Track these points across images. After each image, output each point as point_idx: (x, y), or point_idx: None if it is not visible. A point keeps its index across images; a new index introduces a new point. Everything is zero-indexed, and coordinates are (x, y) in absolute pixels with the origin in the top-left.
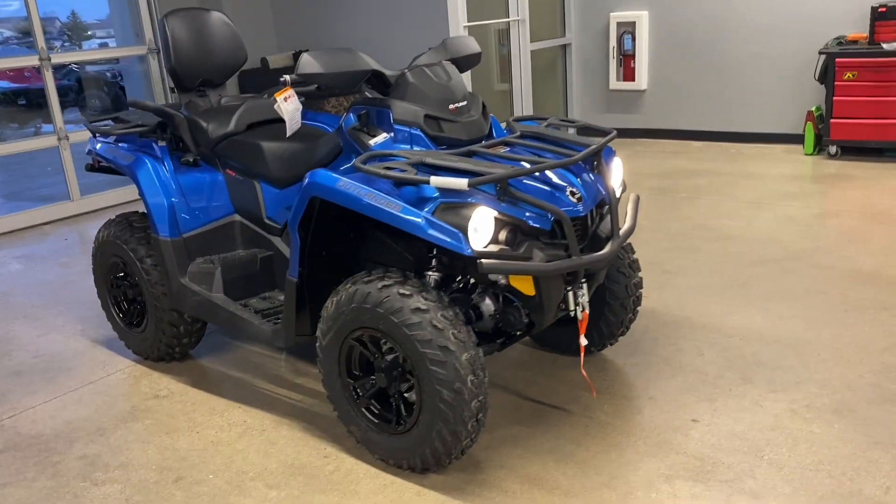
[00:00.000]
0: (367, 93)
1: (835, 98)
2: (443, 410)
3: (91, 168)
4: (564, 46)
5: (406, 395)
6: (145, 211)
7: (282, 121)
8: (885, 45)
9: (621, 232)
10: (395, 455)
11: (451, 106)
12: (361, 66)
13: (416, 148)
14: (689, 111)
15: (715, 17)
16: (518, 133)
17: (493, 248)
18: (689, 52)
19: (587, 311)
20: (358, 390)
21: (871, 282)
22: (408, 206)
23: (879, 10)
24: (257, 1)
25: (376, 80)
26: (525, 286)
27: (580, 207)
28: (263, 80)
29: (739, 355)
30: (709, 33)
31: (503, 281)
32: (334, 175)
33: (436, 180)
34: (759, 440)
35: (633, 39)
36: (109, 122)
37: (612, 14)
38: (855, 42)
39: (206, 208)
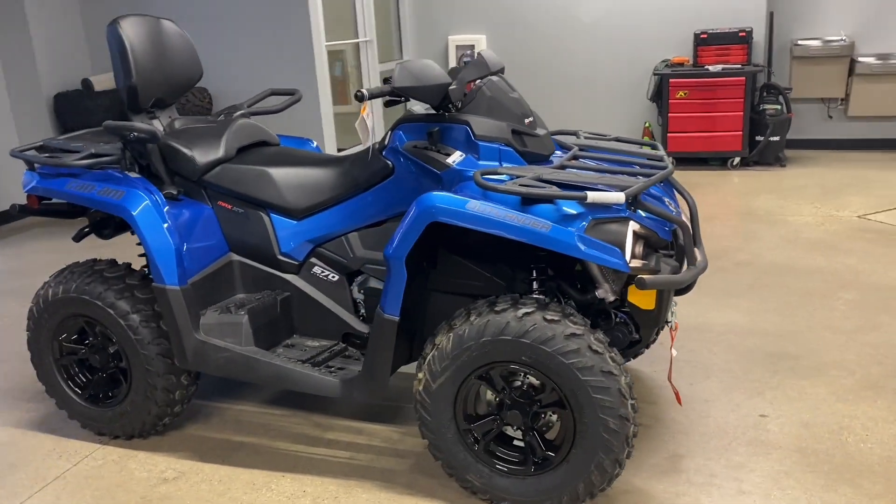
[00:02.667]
0: (412, 109)
1: (669, 115)
2: (606, 440)
3: (24, 210)
4: None
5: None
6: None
7: (265, 143)
8: (710, 68)
9: None
10: (534, 497)
11: (527, 120)
12: (444, 78)
13: (504, 165)
14: None
15: (551, 40)
16: (575, 147)
17: (637, 263)
18: (527, 73)
19: (678, 322)
20: (475, 434)
21: (795, 272)
22: (557, 225)
23: (701, 36)
24: (66, 17)
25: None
26: (646, 301)
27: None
28: (87, 104)
29: (747, 350)
30: (545, 55)
31: (613, 298)
32: (457, 196)
33: (594, 196)
34: (831, 425)
35: None
36: (33, 151)
37: (450, 37)
38: (681, 64)
39: (202, 249)
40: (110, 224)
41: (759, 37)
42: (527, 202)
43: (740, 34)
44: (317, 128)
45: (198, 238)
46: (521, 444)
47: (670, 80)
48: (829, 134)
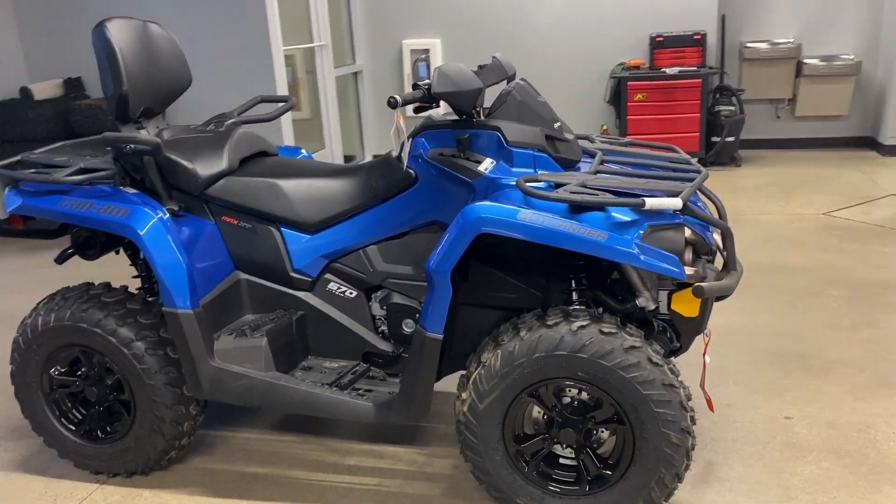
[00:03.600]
0: (432, 115)
1: (628, 117)
2: (667, 454)
3: (3, 231)
4: (356, 74)
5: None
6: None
7: (265, 154)
8: (667, 70)
9: None
10: None
11: (556, 124)
12: (478, 83)
13: (539, 171)
14: None
15: (506, 44)
16: (599, 152)
17: (690, 270)
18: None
19: (710, 329)
20: (524, 455)
21: (779, 271)
22: (614, 234)
23: (657, 39)
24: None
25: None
26: (690, 308)
27: None
28: (28, 113)
29: (755, 351)
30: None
31: (654, 307)
32: (507, 206)
33: (652, 202)
34: (856, 424)
35: (428, 67)
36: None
37: (404, 41)
38: (637, 67)
39: (209, 268)
40: (95, 243)
41: (712, 39)
42: (575, 210)
43: (695, 37)
44: (276, 135)
45: (204, 257)
46: (571, 462)
47: (628, 82)
48: (777, 134)
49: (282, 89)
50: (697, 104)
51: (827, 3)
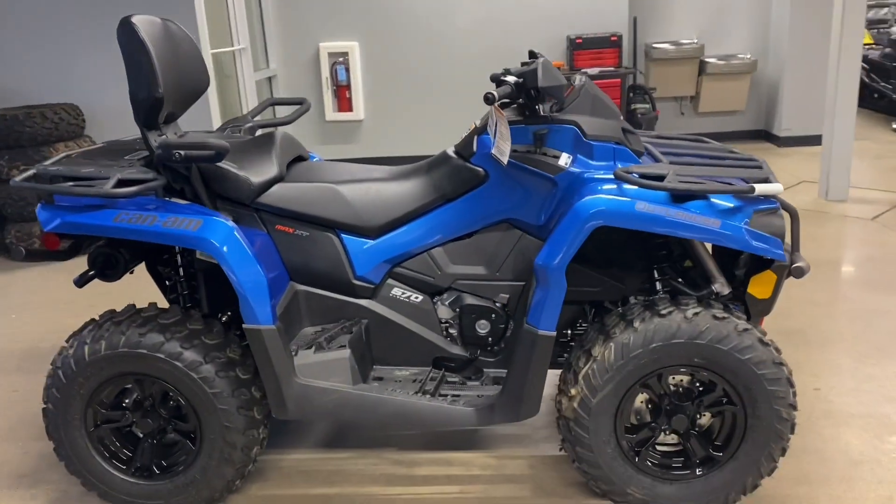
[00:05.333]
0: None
1: None
2: (777, 430)
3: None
4: (270, 78)
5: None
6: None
7: (300, 158)
8: (588, 71)
9: None
10: (700, 499)
11: (621, 117)
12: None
13: (619, 164)
14: (407, 138)
15: (426, 47)
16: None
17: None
18: (403, 80)
19: None
20: (634, 445)
21: None
22: (726, 221)
23: (576, 41)
24: None
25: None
26: (764, 290)
27: None
28: None
29: None
30: (421, 62)
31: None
32: (622, 199)
33: (761, 188)
34: (880, 389)
35: (347, 70)
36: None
37: (321, 44)
38: (558, 69)
39: (273, 281)
40: (116, 263)
41: (625, 41)
42: (678, 199)
43: (612, 38)
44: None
45: (266, 269)
46: (671, 449)
47: None
48: (682, 129)
49: (213, 93)
50: (618, 103)
51: (725, 6)
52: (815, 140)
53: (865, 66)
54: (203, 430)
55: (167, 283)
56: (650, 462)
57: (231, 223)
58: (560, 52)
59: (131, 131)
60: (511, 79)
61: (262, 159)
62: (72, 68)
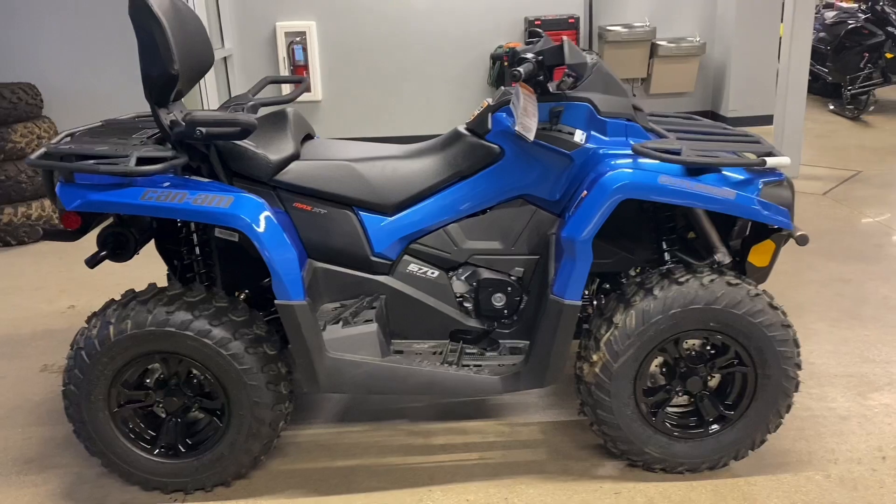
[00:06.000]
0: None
1: None
2: (785, 388)
3: (54, 233)
4: (225, 59)
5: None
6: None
7: (308, 136)
8: None
9: None
10: (712, 455)
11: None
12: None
13: (631, 140)
14: (366, 119)
15: (385, 27)
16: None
17: None
18: (361, 61)
19: None
20: (652, 406)
21: None
22: (740, 193)
23: (535, 22)
24: None
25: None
26: (763, 259)
27: None
28: None
29: None
30: (380, 43)
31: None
32: (646, 172)
33: (772, 160)
34: (855, 351)
35: (305, 50)
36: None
37: (277, 24)
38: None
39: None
40: (127, 243)
41: (581, 23)
42: (693, 172)
43: (570, 20)
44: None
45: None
46: (683, 409)
47: None
48: None
49: None
50: None
51: None
52: (760, 120)
53: None
54: (231, 406)
55: (175, 262)
56: (666, 422)
57: (261, 200)
58: (518, 33)
59: (90, 111)
60: (531, 56)
61: (279, 137)
62: (29, 47)
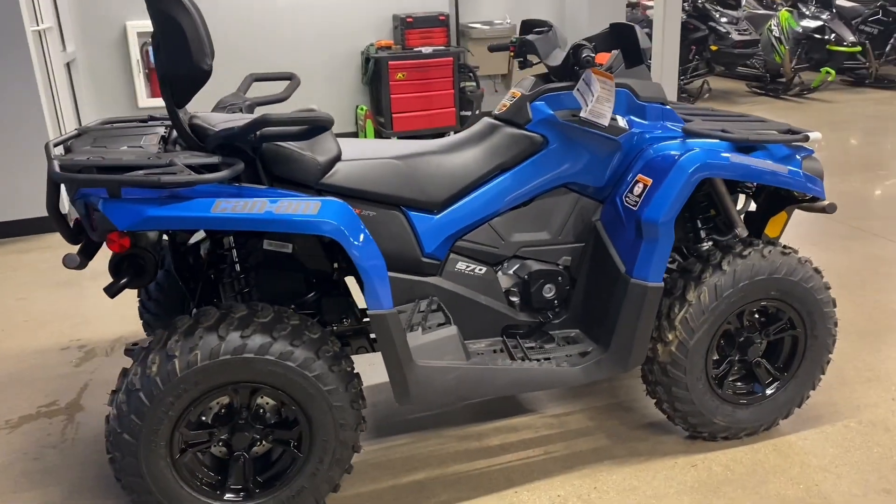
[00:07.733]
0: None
1: (392, 96)
2: (828, 345)
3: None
4: (69, 64)
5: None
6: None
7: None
8: (422, 49)
9: None
10: (769, 417)
11: None
12: None
13: (667, 123)
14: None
15: (249, 27)
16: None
17: None
18: (230, 61)
19: None
20: (716, 377)
21: None
22: (790, 167)
23: (407, 20)
24: None
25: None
26: (776, 230)
27: None
28: None
29: None
30: (247, 43)
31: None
32: (716, 152)
33: (813, 136)
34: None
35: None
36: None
37: (128, 23)
38: (388, 48)
39: None
40: (144, 266)
41: (451, 20)
42: (742, 150)
43: (440, 18)
44: (38, 119)
45: None
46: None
47: (389, 62)
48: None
49: (41, 71)
50: (451, 81)
51: None
52: None
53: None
54: (314, 432)
55: (192, 284)
56: (732, 391)
57: (346, 205)
58: (387, 30)
59: None
60: (586, 47)
61: (320, 137)
62: None
